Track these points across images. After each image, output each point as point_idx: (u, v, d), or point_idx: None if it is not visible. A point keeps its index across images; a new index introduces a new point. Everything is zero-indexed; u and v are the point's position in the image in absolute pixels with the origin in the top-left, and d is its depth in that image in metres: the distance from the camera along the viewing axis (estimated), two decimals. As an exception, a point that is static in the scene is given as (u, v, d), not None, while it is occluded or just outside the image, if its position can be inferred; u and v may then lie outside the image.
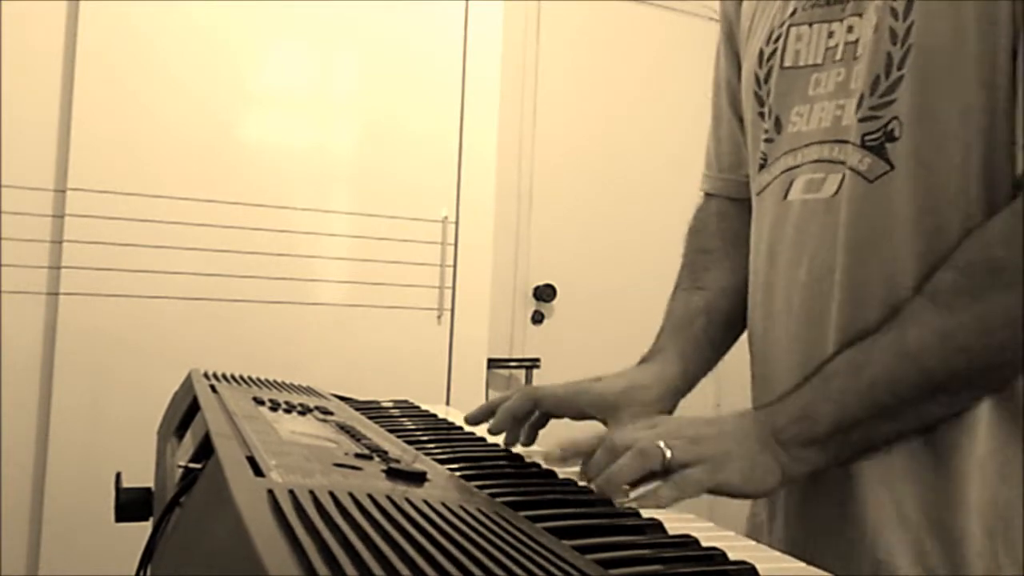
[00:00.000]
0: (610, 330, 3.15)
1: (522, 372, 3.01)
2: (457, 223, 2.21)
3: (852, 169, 0.72)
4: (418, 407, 1.07)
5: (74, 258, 1.83)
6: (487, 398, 2.47)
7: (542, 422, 0.85)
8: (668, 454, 0.63)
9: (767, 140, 0.82)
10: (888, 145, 0.70)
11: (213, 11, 1.97)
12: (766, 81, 0.82)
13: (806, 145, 0.77)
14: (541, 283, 3.06)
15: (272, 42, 2.06)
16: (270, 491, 0.41)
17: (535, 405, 0.82)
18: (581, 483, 0.66)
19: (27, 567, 1.78)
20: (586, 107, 3.18)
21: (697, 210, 1.01)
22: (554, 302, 3.09)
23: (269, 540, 0.34)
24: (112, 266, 1.86)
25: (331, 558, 0.33)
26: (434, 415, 1.01)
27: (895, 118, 0.69)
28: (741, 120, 0.91)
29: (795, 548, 0.78)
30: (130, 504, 0.77)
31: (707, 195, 1.01)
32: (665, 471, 0.63)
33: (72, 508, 1.77)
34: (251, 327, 1.98)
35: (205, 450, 0.57)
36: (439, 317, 2.19)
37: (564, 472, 0.73)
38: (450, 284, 2.20)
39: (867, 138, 0.71)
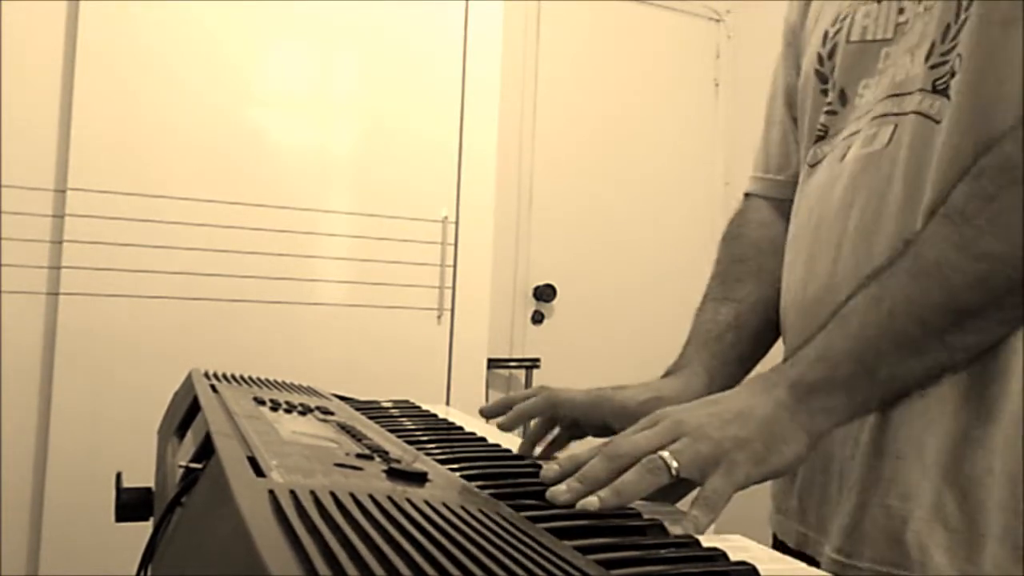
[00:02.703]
0: (610, 330, 3.15)
1: (522, 372, 3.01)
2: (457, 223, 2.21)
3: (918, 112, 0.70)
4: (418, 407, 1.07)
5: (74, 258, 1.83)
6: (487, 398, 2.46)
7: (563, 442, 0.82)
8: (674, 465, 0.59)
9: (829, 112, 0.81)
10: (951, 82, 0.68)
11: (213, 11, 1.97)
12: (830, 57, 0.81)
13: (865, 114, 0.76)
14: (541, 283, 3.06)
15: (272, 42, 2.06)
16: (271, 491, 0.41)
17: (554, 410, 0.80)
18: (562, 493, 0.59)
19: (27, 567, 1.78)
20: (586, 107, 3.18)
21: (735, 215, 0.98)
22: (554, 302, 3.09)
23: (270, 540, 0.34)
24: (112, 266, 1.86)
25: (332, 558, 0.33)
26: (434, 415, 1.01)
27: (958, 54, 0.68)
28: (795, 121, 0.91)
29: (813, 492, 0.76)
30: (130, 504, 0.77)
31: (747, 197, 0.98)
32: (677, 480, 0.59)
33: (72, 508, 1.77)
34: (251, 327, 1.98)
35: (206, 450, 0.57)
36: (439, 317, 2.19)
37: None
38: (450, 284, 2.20)
39: (937, 83, 0.69)
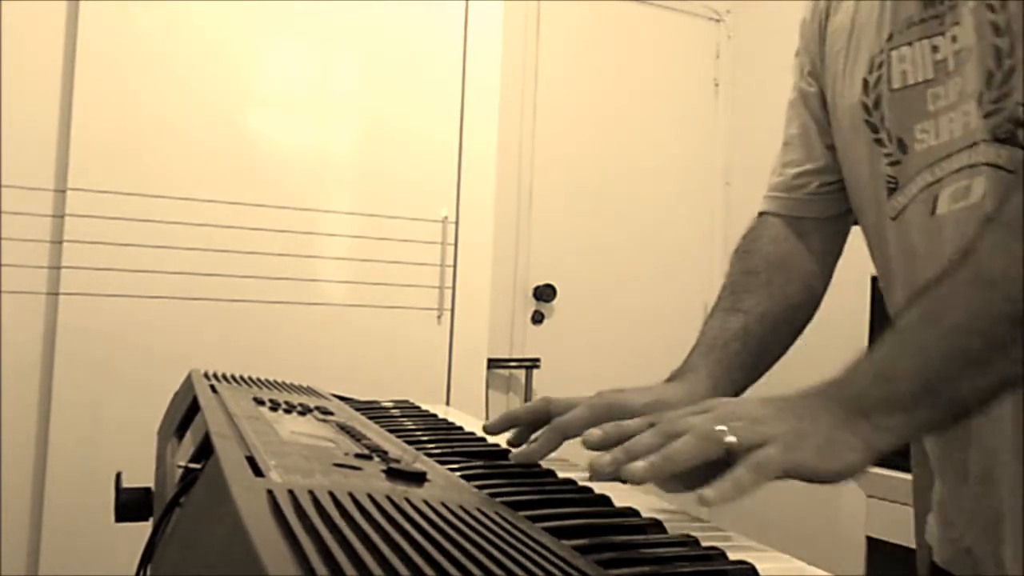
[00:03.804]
0: (610, 330, 3.16)
1: (522, 372, 3.01)
2: (457, 223, 2.21)
3: (991, 165, 0.71)
4: (418, 407, 1.07)
5: (74, 258, 1.83)
6: (487, 398, 2.47)
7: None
8: (730, 438, 0.56)
9: (893, 163, 0.81)
10: (1020, 131, 0.69)
11: (213, 11, 1.97)
12: (876, 107, 0.82)
13: (943, 158, 0.76)
14: (541, 283, 3.06)
15: (272, 42, 2.07)
16: (270, 491, 0.41)
17: (564, 438, 0.76)
18: (605, 464, 0.57)
19: (27, 567, 1.78)
20: (586, 107, 3.18)
21: (748, 232, 0.99)
22: (554, 302, 3.09)
23: (268, 540, 0.34)
24: (112, 266, 1.86)
25: (330, 558, 0.33)
26: (434, 415, 1.01)
27: (1018, 104, 0.69)
28: (819, 126, 0.92)
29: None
30: (130, 504, 0.77)
31: (762, 215, 0.99)
32: (728, 457, 0.56)
33: (72, 508, 1.77)
34: (251, 327, 1.98)
35: (205, 450, 0.57)
36: (439, 317, 2.19)
37: (565, 472, 0.74)
38: (450, 284, 2.20)
39: (997, 132, 0.70)
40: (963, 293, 0.61)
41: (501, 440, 0.85)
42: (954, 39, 0.75)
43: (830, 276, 0.96)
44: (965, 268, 0.61)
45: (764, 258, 0.94)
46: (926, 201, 0.78)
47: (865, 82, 0.83)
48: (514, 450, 0.77)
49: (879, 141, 0.83)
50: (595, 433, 0.61)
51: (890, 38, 0.81)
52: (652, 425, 0.60)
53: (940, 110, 0.76)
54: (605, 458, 0.57)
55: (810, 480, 0.58)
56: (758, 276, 0.93)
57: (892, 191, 0.82)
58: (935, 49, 0.76)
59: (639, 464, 0.55)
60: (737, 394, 0.86)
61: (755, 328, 0.89)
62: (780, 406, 0.60)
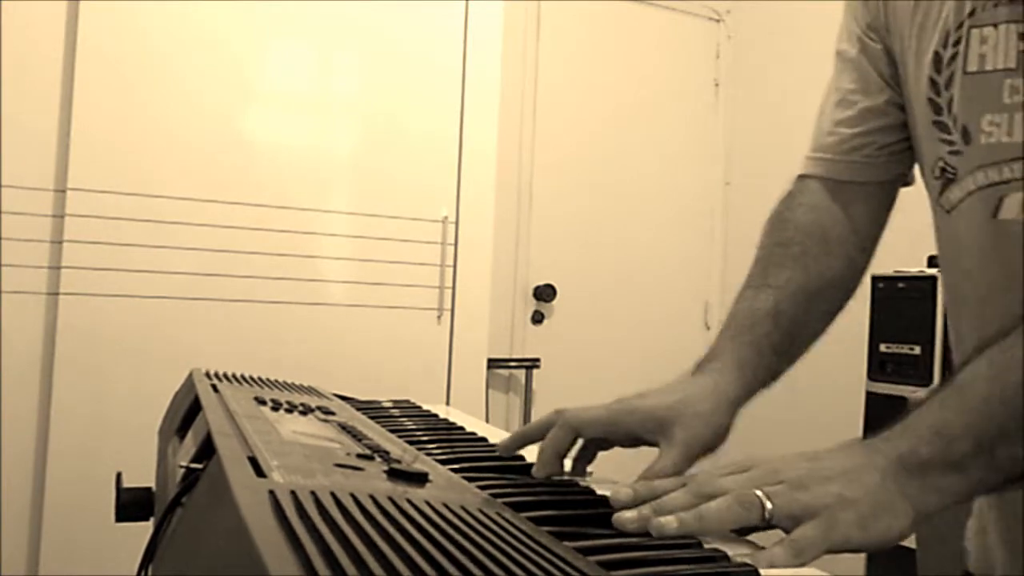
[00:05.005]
0: (610, 330, 3.16)
1: (522, 372, 3.01)
2: (457, 223, 2.21)
3: None
4: (419, 407, 1.07)
5: (74, 258, 1.83)
6: (487, 398, 2.47)
7: (590, 455, 0.77)
8: (769, 506, 0.53)
9: (954, 152, 0.76)
10: None
11: (213, 11, 1.97)
12: (947, 87, 0.76)
13: (1012, 159, 0.71)
14: (541, 283, 3.06)
15: (272, 42, 2.07)
16: (271, 491, 0.41)
17: (575, 434, 0.74)
18: (631, 520, 0.55)
19: (27, 567, 1.78)
20: (586, 107, 3.18)
21: (784, 197, 0.90)
22: (554, 302, 3.09)
23: (270, 541, 0.34)
24: (112, 266, 1.86)
25: (332, 559, 0.33)
26: (435, 415, 1.01)
27: None
28: (884, 81, 0.84)
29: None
30: (131, 504, 0.77)
31: (802, 178, 0.90)
32: (766, 524, 0.54)
33: (72, 508, 1.77)
34: (251, 327, 1.98)
35: (206, 450, 0.57)
36: (439, 317, 2.19)
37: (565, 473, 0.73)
38: (450, 284, 2.20)
39: None
40: None
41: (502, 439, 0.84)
42: None
43: (874, 248, 0.88)
44: None
45: (800, 227, 0.86)
46: (987, 200, 0.72)
47: (937, 56, 0.76)
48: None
49: (941, 126, 0.76)
50: (625, 492, 0.58)
51: (972, 13, 0.73)
52: (685, 485, 0.58)
53: (1016, 105, 0.71)
54: (631, 513, 0.55)
55: (855, 552, 0.55)
56: (791, 247, 0.85)
57: (950, 182, 0.76)
58: (1022, 36, 0.70)
59: (669, 519, 0.53)
60: (772, 379, 0.80)
61: (786, 305, 0.82)
62: (823, 466, 0.57)
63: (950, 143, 0.75)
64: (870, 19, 0.85)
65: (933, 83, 0.76)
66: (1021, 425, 0.56)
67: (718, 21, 3.44)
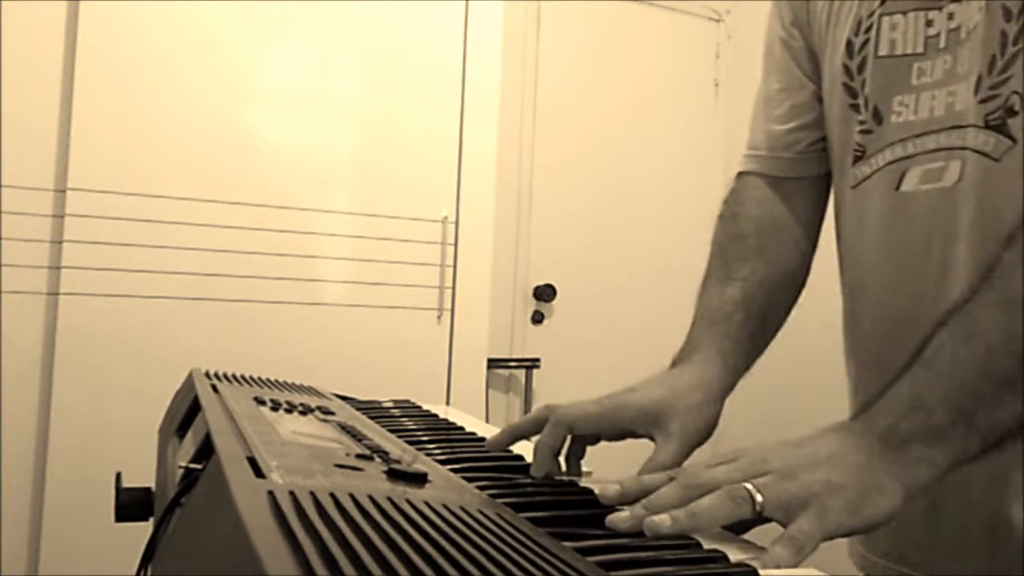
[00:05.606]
0: (610, 330, 3.15)
1: (522, 372, 3.01)
2: (457, 223, 2.21)
3: (975, 150, 0.71)
4: (419, 407, 1.07)
5: (74, 258, 1.83)
6: (487, 398, 2.46)
7: (580, 451, 0.77)
8: (759, 499, 0.54)
9: (864, 131, 0.80)
10: (1010, 121, 0.69)
11: (213, 11, 1.97)
12: (859, 72, 0.80)
13: (918, 135, 0.75)
14: (541, 283, 3.06)
15: (272, 42, 2.06)
16: (271, 492, 0.41)
17: (569, 430, 0.74)
18: (624, 520, 0.55)
19: (27, 567, 1.78)
20: (586, 107, 3.18)
21: (730, 194, 0.94)
22: (554, 302, 3.09)
23: (269, 541, 0.34)
24: (112, 266, 1.86)
25: (331, 560, 0.33)
26: (435, 415, 1.01)
27: (1014, 92, 0.68)
28: (807, 78, 0.88)
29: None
30: (130, 504, 0.77)
31: (742, 176, 0.94)
32: (757, 516, 0.55)
33: (72, 508, 1.77)
34: (251, 327, 1.98)
35: (206, 450, 0.57)
36: (439, 317, 2.19)
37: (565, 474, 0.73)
38: (450, 284, 2.20)
39: (989, 118, 0.70)
40: (995, 315, 0.59)
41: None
42: (950, 16, 0.74)
43: (816, 240, 0.91)
44: (991, 292, 0.59)
45: (752, 221, 0.90)
46: (891, 175, 0.77)
47: (849, 44, 0.81)
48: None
49: (855, 107, 0.81)
50: (613, 488, 0.59)
51: (883, 2, 0.79)
52: (673, 479, 0.58)
53: (924, 86, 0.75)
54: (624, 514, 0.55)
55: (847, 534, 0.55)
56: (748, 240, 0.88)
57: (858, 159, 0.80)
58: (929, 23, 0.75)
59: (663, 518, 0.53)
60: (748, 367, 0.82)
61: (756, 296, 0.85)
62: (809, 452, 0.57)
63: (862, 123, 0.80)
64: (793, 17, 0.90)
65: (847, 69, 0.81)
66: (993, 386, 0.57)
67: (718, 21, 3.44)
